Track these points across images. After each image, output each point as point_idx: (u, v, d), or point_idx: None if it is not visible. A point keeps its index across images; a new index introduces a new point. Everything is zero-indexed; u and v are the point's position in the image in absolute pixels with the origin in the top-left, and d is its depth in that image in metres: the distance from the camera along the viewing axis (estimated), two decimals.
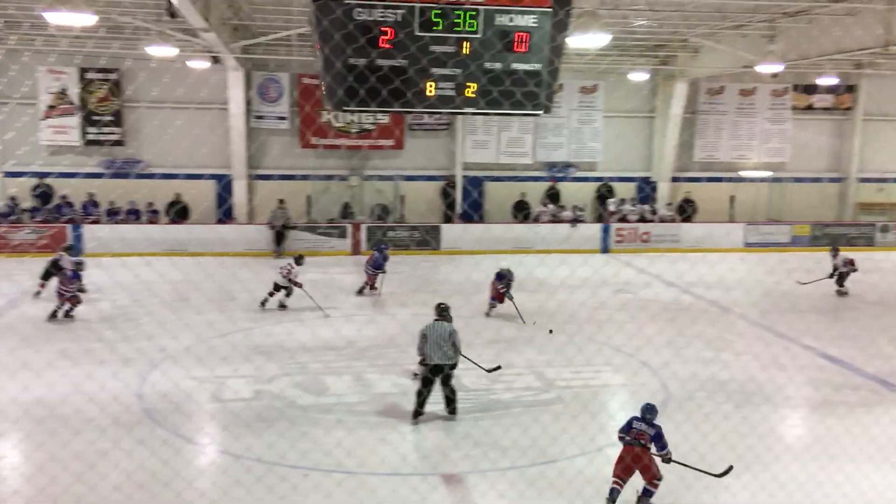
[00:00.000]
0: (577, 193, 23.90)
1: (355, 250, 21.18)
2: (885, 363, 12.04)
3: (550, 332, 12.97)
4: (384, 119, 22.47)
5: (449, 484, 7.87)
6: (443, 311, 9.41)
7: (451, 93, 5.47)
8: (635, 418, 7.33)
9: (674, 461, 7.25)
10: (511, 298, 13.99)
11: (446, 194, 23.42)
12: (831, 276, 16.62)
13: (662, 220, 23.32)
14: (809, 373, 11.49)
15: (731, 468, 7.23)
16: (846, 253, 17.04)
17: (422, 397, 9.15)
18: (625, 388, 10.82)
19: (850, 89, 24.86)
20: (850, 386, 11.05)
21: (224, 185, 22.24)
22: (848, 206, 25.42)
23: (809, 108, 24.98)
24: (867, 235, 23.67)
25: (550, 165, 24.01)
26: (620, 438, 7.32)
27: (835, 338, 13.25)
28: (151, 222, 21.25)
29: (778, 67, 16.13)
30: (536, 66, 5.63)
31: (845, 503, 7.19)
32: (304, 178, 22.62)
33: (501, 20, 5.24)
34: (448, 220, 22.93)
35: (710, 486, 7.57)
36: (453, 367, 9.20)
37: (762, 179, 24.76)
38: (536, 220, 22.77)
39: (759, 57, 16.07)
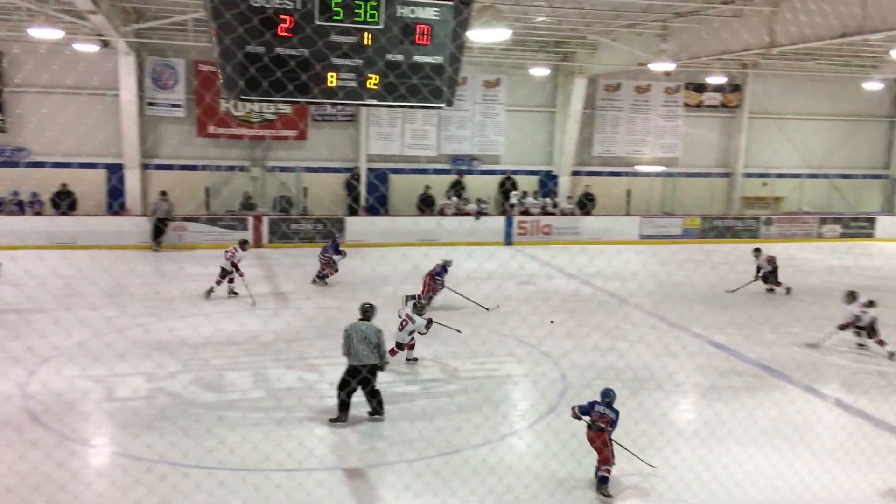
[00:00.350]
0: (480, 186, 24.20)
1: (257, 243, 20.77)
2: (766, 350, 12.74)
3: (552, 322, 13.07)
4: (286, 109, 22.09)
5: (354, 478, 7.86)
6: (367, 311, 9.20)
7: (354, 84, 5.42)
8: (597, 402, 7.68)
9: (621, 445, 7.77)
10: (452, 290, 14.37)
11: (351, 186, 23.26)
12: (756, 277, 16.98)
13: (563, 214, 23.88)
14: (698, 360, 12.03)
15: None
16: (765, 251, 17.17)
17: (343, 402, 8.85)
18: (527, 378, 11.04)
19: (737, 88, 26.09)
20: (736, 372, 11.64)
21: (117, 176, 21.38)
22: (735, 200, 26.69)
23: (700, 105, 26.08)
24: (752, 228, 24.92)
25: (455, 158, 24.20)
26: (576, 417, 7.78)
27: (722, 326, 13.90)
28: (37, 213, 20.22)
29: (670, 66, 16.77)
30: (439, 59, 5.65)
31: (731, 483, 7.57)
32: (203, 168, 22.00)
33: (403, 12, 5.23)
34: (353, 212, 22.79)
35: (613, 476, 7.83)
36: (374, 369, 8.90)
37: (656, 174, 25.70)
38: (441, 213, 22.92)
39: (652, 55, 16.65)
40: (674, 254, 20.30)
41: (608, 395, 7.69)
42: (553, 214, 23.73)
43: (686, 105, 25.90)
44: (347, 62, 5.24)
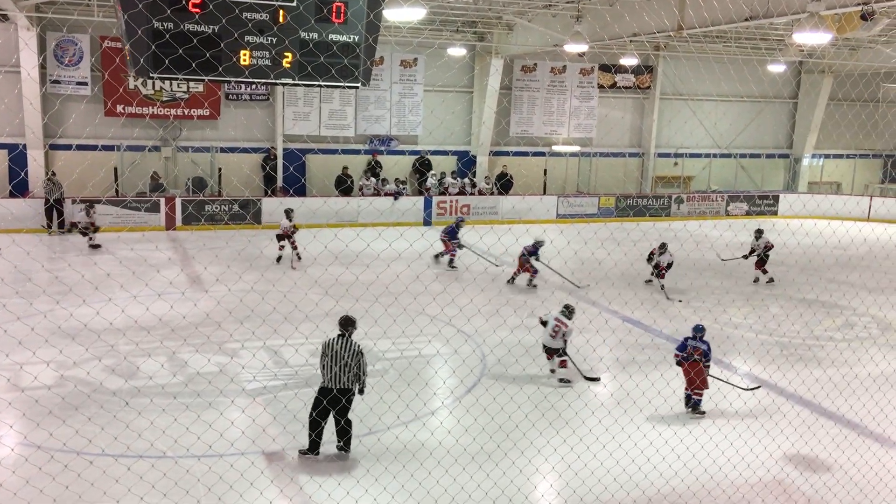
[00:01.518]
0: (398, 166, 24.12)
1: (169, 225, 20.18)
2: (681, 323, 13.19)
3: (679, 301, 14.07)
4: (198, 88, 21.46)
5: (271, 461, 7.78)
6: (344, 325, 7.89)
7: (268, 62, 5.29)
8: (689, 338, 9.08)
9: (713, 376, 9.32)
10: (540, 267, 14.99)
11: (266, 167, 22.83)
12: (747, 256, 17.27)
13: (482, 193, 24.06)
14: (618, 335, 12.38)
15: (759, 386, 9.66)
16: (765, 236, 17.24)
17: (317, 430, 7.74)
18: (452, 357, 11.13)
19: (649, 70, 26.74)
20: (653, 346, 12.03)
21: (16, 156, 20.38)
22: (648, 180, 27.43)
23: (614, 86, 26.62)
24: (664, 207, 25.69)
25: (373, 138, 24.03)
26: (678, 357, 9.06)
27: (640, 302, 14.32)
28: None
29: (583, 47, 17.02)
30: (354, 38, 5.56)
31: (648, 448, 7.83)
32: (110, 148, 21.20)
33: None
34: (268, 193, 22.39)
35: (522, 449, 8.00)
36: (347, 393, 7.74)
37: (572, 154, 26.15)
38: (361, 193, 22.76)
39: (567, 37, 16.87)
40: (588, 232, 20.72)
41: (699, 330, 9.06)
42: (471, 194, 23.88)
43: (600, 86, 26.39)
44: (261, 40, 5.12)
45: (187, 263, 16.62)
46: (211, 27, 4.87)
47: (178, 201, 20.64)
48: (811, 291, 15.86)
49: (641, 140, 27.48)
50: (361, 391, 7.87)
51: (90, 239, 17.77)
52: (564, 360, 10.17)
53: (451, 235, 17.22)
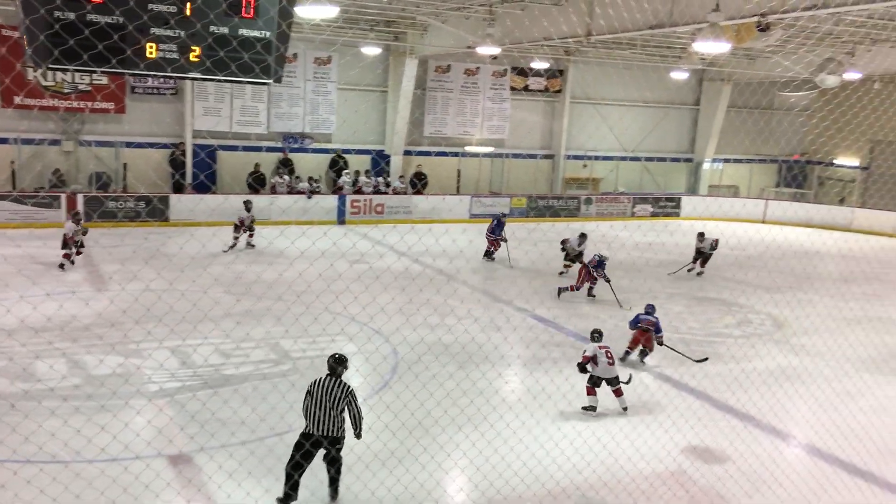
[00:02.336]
0: (312, 164, 23.88)
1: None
2: (583, 321, 13.57)
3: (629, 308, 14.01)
4: (102, 80, 20.68)
5: (176, 465, 7.61)
6: (334, 366, 7.00)
7: (175, 56, 5.20)
8: (640, 314, 11.35)
9: (665, 345, 11.39)
10: (607, 281, 15.09)
11: (176, 163, 22.21)
12: (696, 259, 17.93)
13: (396, 193, 24.08)
14: (522, 333, 12.64)
15: (706, 358, 11.44)
16: (710, 236, 18.15)
17: (294, 477, 6.81)
18: (358, 355, 11.10)
19: (560, 74, 27.31)
20: (556, 343, 12.34)
21: None
22: (558, 181, 28.03)
23: (525, 89, 27.09)
24: (573, 207, 26.30)
25: (286, 136, 23.71)
26: (633, 326, 11.39)
27: (543, 300, 14.63)
28: None
29: (495, 50, 17.25)
30: (265, 33, 5.51)
31: (552, 446, 8.04)
32: (5, 141, 20.21)
33: None
34: (178, 190, 21.78)
35: (443, 444, 8.09)
36: (336, 441, 6.89)
37: (484, 154, 26.47)
38: (273, 191, 22.41)
39: (479, 39, 17.07)
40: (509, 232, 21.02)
41: (650, 307, 11.38)
42: (385, 193, 23.87)
43: (512, 88, 26.80)
44: (168, 32, 5.02)
45: (89, 261, 16.02)
46: (114, 17, 4.75)
47: (79, 197, 19.86)
48: (711, 290, 16.57)
49: (552, 142, 28.04)
50: (358, 435, 6.99)
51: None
52: (619, 388, 9.62)
53: (495, 232, 18.39)
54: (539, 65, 24.14)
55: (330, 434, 6.75)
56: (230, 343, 11.07)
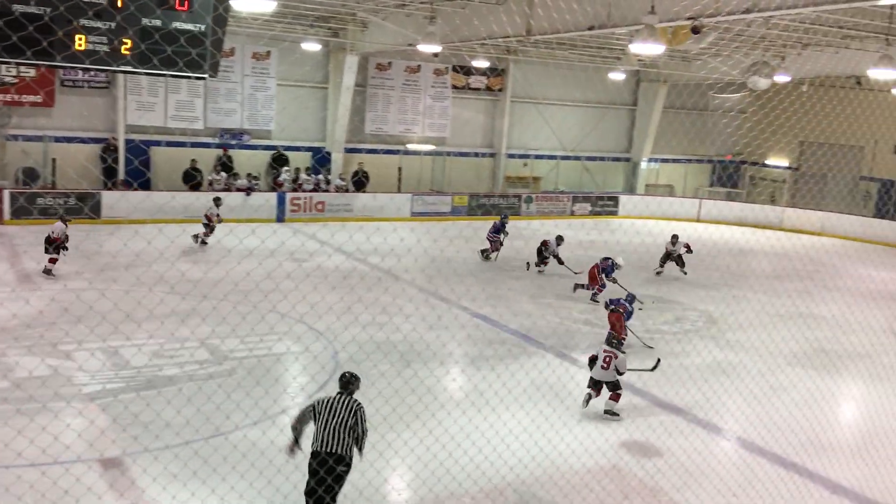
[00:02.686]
0: (251, 161, 23.51)
1: None
2: (526, 319, 13.71)
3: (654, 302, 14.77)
4: (30, 72, 19.98)
5: (112, 468, 7.40)
6: (349, 383, 6.66)
7: (105, 49, 5.03)
8: (619, 299, 12.29)
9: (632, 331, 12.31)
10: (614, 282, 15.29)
11: (106, 159, 21.59)
12: (663, 262, 18.11)
13: (337, 190, 23.88)
14: (467, 331, 12.68)
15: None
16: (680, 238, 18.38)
17: (312, 499, 6.43)
18: (303, 355, 11.00)
19: (501, 73, 27.48)
20: (500, 340, 12.41)
21: None
22: (499, 179, 28.20)
23: (467, 87, 27.17)
24: (514, 206, 26.50)
25: (223, 132, 23.28)
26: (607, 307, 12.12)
27: (487, 298, 14.72)
28: None
29: (436, 48, 17.25)
30: (199, 26, 5.38)
31: (498, 441, 8.07)
32: None
33: None
34: (108, 186, 21.18)
35: (391, 442, 8.04)
36: (342, 460, 6.41)
37: (426, 153, 26.47)
38: (210, 188, 21.98)
39: (420, 37, 17.04)
40: (441, 230, 21.08)
41: (631, 298, 12.47)
42: (326, 191, 23.66)
43: (454, 87, 26.85)
44: (98, 24, 4.86)
45: (17, 260, 15.47)
46: (41, 7, 4.58)
47: (6, 193, 19.15)
48: (649, 288, 16.87)
49: (493, 141, 28.20)
50: (360, 450, 6.55)
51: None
52: (618, 394, 9.61)
53: (499, 232, 18.53)
54: (480, 63, 24.24)
55: (334, 451, 6.36)
56: (174, 342, 10.83)
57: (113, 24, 4.93)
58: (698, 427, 9.57)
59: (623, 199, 28.73)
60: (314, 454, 6.39)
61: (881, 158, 27.81)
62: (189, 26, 5.22)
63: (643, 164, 30.79)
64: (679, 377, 10.80)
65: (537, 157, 28.76)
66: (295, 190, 23.19)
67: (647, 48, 11.32)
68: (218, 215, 17.79)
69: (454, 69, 26.53)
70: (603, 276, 15.34)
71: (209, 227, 17.76)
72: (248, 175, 22.72)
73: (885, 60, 14.48)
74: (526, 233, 22.73)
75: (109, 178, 21.50)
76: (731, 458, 8.78)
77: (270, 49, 23.21)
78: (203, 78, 5.49)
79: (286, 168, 23.66)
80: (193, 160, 22.30)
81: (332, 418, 6.38)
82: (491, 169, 28.30)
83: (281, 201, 22.53)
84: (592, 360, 9.76)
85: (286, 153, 24.11)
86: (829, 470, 8.49)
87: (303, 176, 23.68)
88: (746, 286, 17.28)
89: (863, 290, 17.42)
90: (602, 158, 30.47)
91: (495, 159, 28.24)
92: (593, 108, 29.70)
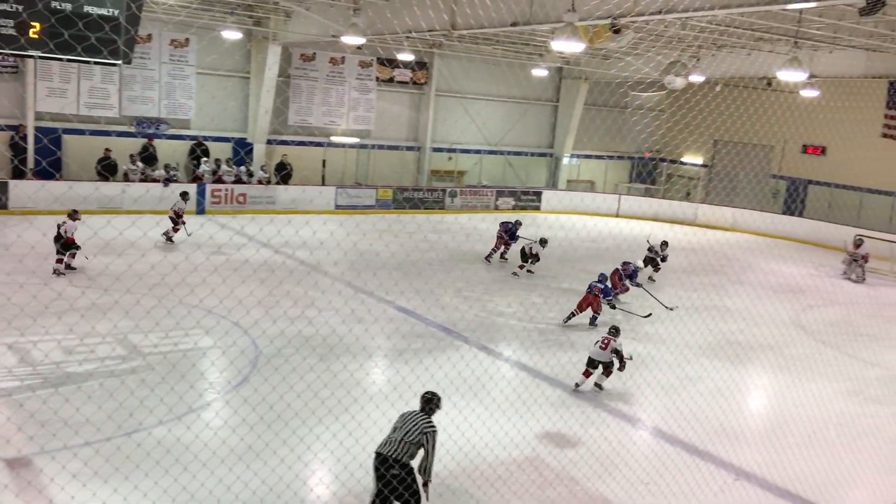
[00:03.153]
0: (170, 152, 22.88)
1: None
2: (445, 312, 13.79)
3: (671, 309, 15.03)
4: None
5: (14, 469, 7.13)
6: (427, 402, 6.88)
7: (11, 31, 4.86)
8: (594, 282, 13.72)
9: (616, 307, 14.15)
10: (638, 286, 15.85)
11: (15, 146, 20.67)
12: (651, 265, 18.02)
13: (260, 182, 23.47)
14: (384, 325, 12.66)
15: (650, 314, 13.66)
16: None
17: (378, 498, 6.71)
18: (216, 349, 10.79)
19: (425, 67, 27.49)
20: (418, 334, 12.45)
21: None
22: (423, 173, 28.24)
23: (391, 80, 27.07)
24: (439, 200, 26.59)
25: (140, 121, 22.58)
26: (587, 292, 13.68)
27: (404, 291, 14.72)
28: None
29: (360, 40, 17.11)
30: (113, 11, 5.25)
31: None
32: None
33: None
34: (18, 175, 20.28)
35: (319, 434, 7.98)
36: (401, 467, 6.57)
37: (350, 145, 26.28)
38: (126, 179, 21.30)
39: (344, 28, 16.89)
40: (366, 223, 20.99)
41: (602, 276, 13.92)
42: (248, 183, 23.24)
43: (378, 79, 26.72)
44: (3, 6, 4.68)
45: None
46: None
47: None
48: (567, 281, 17.21)
49: (418, 134, 28.21)
50: (426, 479, 6.62)
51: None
52: (610, 371, 10.59)
53: (510, 235, 18.42)
54: (405, 57, 24.19)
55: (393, 455, 6.55)
56: (73, 338, 10.45)
57: (20, 7, 4.75)
58: (613, 417, 9.83)
59: (546, 194, 29.15)
60: (376, 455, 6.66)
61: (790, 158, 29.02)
62: (102, 11, 5.07)
63: (565, 160, 31.32)
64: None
65: (462, 151, 28.90)
66: (216, 181, 22.68)
67: (568, 46, 11.51)
68: (181, 210, 17.72)
69: (379, 62, 26.39)
70: (627, 281, 15.71)
71: (176, 224, 17.50)
72: (167, 166, 22.10)
73: (794, 63, 15.08)
74: (454, 226, 22.89)
75: (17, 167, 20.59)
76: (644, 447, 9.06)
77: (189, 36, 22.62)
78: (117, 64, 5.35)
79: (205, 159, 23.10)
80: (107, 150, 21.53)
81: (402, 428, 6.65)
82: (415, 163, 28.31)
83: (201, 192, 22.00)
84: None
85: (206, 144, 23.54)
86: (736, 457, 8.85)
87: (223, 167, 23.18)
88: (662, 280, 17.79)
89: (771, 284, 18.18)
90: (525, 153, 30.85)
91: (420, 153, 28.26)
92: (516, 104, 30.03)
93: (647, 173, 33.03)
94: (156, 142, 22.77)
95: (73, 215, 14.34)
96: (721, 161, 31.04)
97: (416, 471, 6.61)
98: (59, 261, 13.92)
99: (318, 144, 25.47)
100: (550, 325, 13.72)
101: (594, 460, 8.34)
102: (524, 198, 28.62)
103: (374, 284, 15.02)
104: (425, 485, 6.65)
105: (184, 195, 18.06)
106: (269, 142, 24.58)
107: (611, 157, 32.72)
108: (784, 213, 28.14)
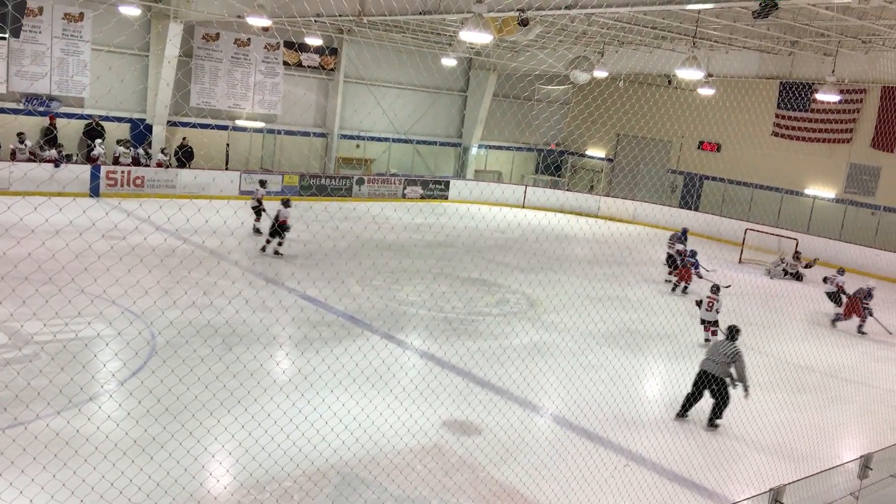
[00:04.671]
0: (63, 130, 21.79)
1: None
2: (352, 301, 13.70)
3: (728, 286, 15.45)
4: None
5: None
6: (730, 332, 10.10)
7: None
8: (689, 258, 16.99)
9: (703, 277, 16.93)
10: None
11: None
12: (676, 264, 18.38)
13: (159, 165, 22.67)
14: (292, 313, 12.48)
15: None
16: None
17: (689, 401, 10.05)
18: (117, 339, 10.38)
19: (334, 52, 27.14)
20: (326, 323, 12.33)
21: None
22: (331, 160, 27.92)
23: (299, 65, 26.59)
24: (347, 187, 26.36)
25: (29, 97, 21.40)
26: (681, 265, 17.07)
27: (313, 280, 14.55)
28: None
29: (266, 22, 16.73)
30: None
31: (325, 428, 8.02)
32: None
33: None
34: None
35: (192, 431, 7.78)
36: (716, 379, 9.74)
37: (256, 130, 25.70)
38: (13, 158, 20.17)
39: (250, 9, 16.46)
40: (274, 210, 20.56)
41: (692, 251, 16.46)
42: (147, 166, 22.41)
43: (286, 63, 26.21)
44: None
45: None
46: None
47: None
48: (474, 270, 17.38)
49: (326, 120, 27.86)
50: (734, 385, 9.74)
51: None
52: (715, 330, 13.16)
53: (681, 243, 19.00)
54: (313, 41, 23.78)
55: (712, 372, 9.74)
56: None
57: None
58: (516, 405, 10.00)
59: (453, 183, 29.33)
60: (701, 371, 9.91)
61: (687, 153, 30.16)
62: None
63: (473, 150, 31.57)
64: (498, 358, 11.22)
65: (370, 138, 28.72)
66: (113, 163, 21.76)
67: (476, 36, 11.55)
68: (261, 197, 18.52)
69: (287, 45, 25.88)
70: (694, 269, 17.50)
71: (259, 214, 17.87)
72: (59, 146, 21.04)
73: (692, 61, 15.65)
74: (362, 214, 22.72)
75: None
76: (545, 433, 9.26)
77: (84, 11, 21.57)
78: (3, 38, 5.03)
79: (100, 140, 22.09)
80: None
81: (716, 353, 9.86)
82: (323, 149, 27.95)
83: (95, 174, 21.07)
84: (699, 303, 13.72)
85: (103, 124, 22.54)
86: (633, 441, 9.16)
87: (120, 149, 22.25)
88: (563, 270, 18.21)
89: (668, 276, 18.84)
90: (434, 143, 30.94)
91: (328, 139, 27.92)
92: (425, 93, 30.06)
93: (553, 165, 33.69)
94: (44, 120, 21.63)
95: (285, 202, 16.19)
96: (623, 155, 31.97)
97: (728, 384, 9.70)
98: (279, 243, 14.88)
99: (223, 128, 24.80)
100: (457, 314, 13.83)
101: (497, 446, 8.47)
102: (432, 186, 28.70)
103: (283, 273, 14.78)
104: (746, 389, 9.64)
105: (262, 183, 18.63)
106: (169, 123, 23.76)
107: (518, 149, 33.20)
108: (681, 206, 29.25)
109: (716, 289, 13.59)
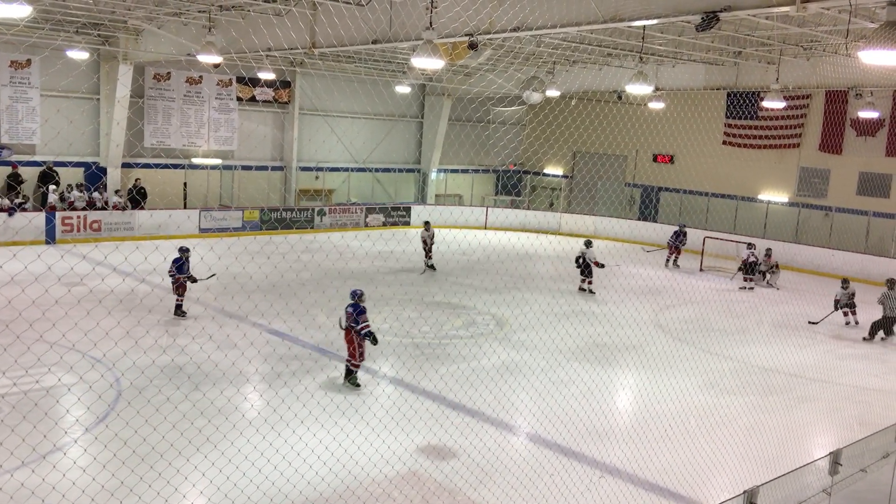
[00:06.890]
0: (21, 178, 21.40)
1: None
2: (320, 332, 13.60)
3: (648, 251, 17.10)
4: None
5: None
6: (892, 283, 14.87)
7: None
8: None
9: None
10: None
11: None
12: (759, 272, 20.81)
13: (116, 208, 22.37)
14: (260, 348, 12.34)
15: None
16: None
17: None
18: (77, 387, 10.16)
19: (288, 85, 27.15)
20: (294, 356, 12.21)
21: None
22: (291, 193, 27.81)
23: (253, 99, 26.54)
24: (308, 219, 26.25)
25: None
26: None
27: (279, 313, 14.42)
28: None
29: (217, 58, 16.68)
30: None
31: (299, 462, 7.92)
32: None
33: None
34: None
35: (179, 468, 7.63)
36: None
37: (212, 167, 25.53)
38: None
39: (200, 47, 16.42)
40: (237, 246, 20.40)
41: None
42: (103, 209, 22.10)
43: (239, 98, 26.14)
44: None
45: None
46: None
47: None
48: (440, 294, 17.38)
49: (283, 153, 27.78)
50: None
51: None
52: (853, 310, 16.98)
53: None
54: (266, 75, 23.77)
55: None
56: None
57: None
58: (490, 426, 9.99)
59: (415, 208, 29.38)
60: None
61: (642, 166, 30.63)
62: None
63: (432, 175, 31.70)
64: (469, 380, 11.21)
65: (329, 169, 28.69)
66: (67, 209, 21.42)
67: (428, 63, 11.66)
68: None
69: (240, 80, 25.82)
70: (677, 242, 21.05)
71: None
72: (16, 193, 20.66)
73: (640, 76, 15.96)
74: (326, 245, 22.62)
75: None
76: (521, 452, 9.25)
77: (31, 57, 21.32)
78: None
79: (52, 186, 21.69)
80: None
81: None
82: (282, 182, 27.84)
83: (50, 221, 20.71)
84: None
85: (56, 169, 22.19)
86: (607, 454, 9.20)
87: (74, 193, 21.91)
88: (529, 288, 18.30)
89: (632, 287, 19.05)
90: (393, 170, 31.01)
91: (286, 172, 27.83)
92: (382, 121, 30.17)
93: (512, 185, 33.94)
94: (1, 169, 21.27)
95: None
96: (580, 171, 32.36)
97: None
98: None
99: (178, 167, 24.57)
100: (425, 339, 13.80)
101: (474, 469, 8.44)
102: (394, 213, 28.72)
103: (248, 308, 14.62)
104: None
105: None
106: (124, 165, 23.49)
107: (476, 171, 33.42)
108: (640, 218, 29.63)
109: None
